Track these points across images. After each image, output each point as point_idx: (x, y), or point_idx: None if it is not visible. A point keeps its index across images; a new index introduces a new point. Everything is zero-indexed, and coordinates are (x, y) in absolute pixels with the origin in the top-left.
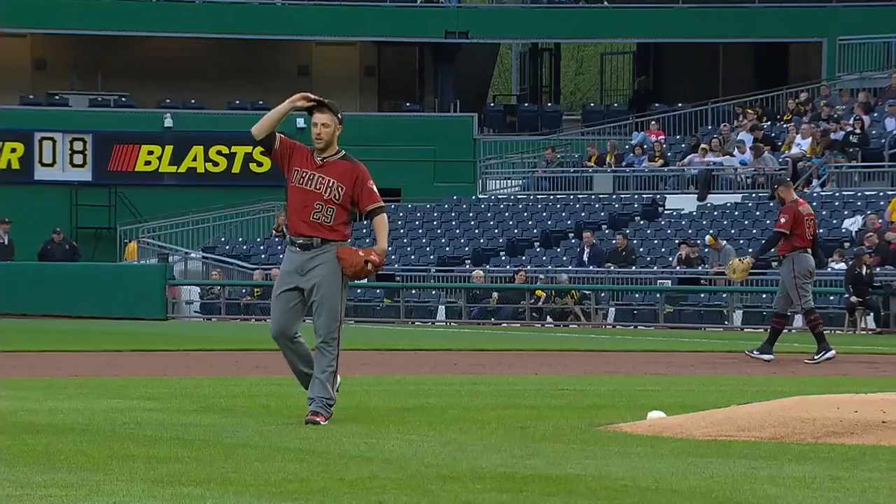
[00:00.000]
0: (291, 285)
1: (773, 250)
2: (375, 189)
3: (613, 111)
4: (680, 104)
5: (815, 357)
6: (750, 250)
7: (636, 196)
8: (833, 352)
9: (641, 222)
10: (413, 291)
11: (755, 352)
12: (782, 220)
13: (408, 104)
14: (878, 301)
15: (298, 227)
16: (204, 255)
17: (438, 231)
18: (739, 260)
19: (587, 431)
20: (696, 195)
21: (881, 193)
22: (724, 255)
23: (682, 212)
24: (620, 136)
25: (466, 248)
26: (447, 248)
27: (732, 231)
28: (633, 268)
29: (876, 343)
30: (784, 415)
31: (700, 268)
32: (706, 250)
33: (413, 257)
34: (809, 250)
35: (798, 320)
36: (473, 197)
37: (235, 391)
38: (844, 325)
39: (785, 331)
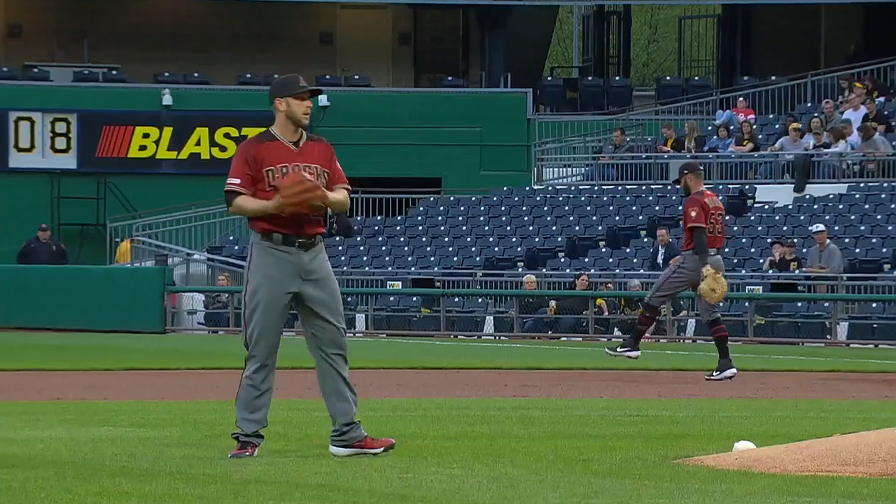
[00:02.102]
0: (292, 291)
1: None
2: None
3: (693, 86)
4: (773, 77)
5: (714, 374)
6: (857, 250)
7: (721, 186)
8: (734, 370)
9: (727, 217)
10: (456, 300)
11: (715, 373)
12: (692, 213)
13: (449, 78)
14: None
15: (297, 225)
16: (209, 256)
17: (486, 228)
18: (713, 277)
19: (661, 465)
20: (793, 185)
21: None
22: (829, 256)
23: (776, 205)
24: (702, 116)
25: (518, 249)
26: (496, 249)
27: (836, 228)
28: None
29: None
30: None
31: (797, 271)
32: (805, 250)
33: (456, 259)
34: (716, 250)
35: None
36: (527, 188)
37: None
38: None
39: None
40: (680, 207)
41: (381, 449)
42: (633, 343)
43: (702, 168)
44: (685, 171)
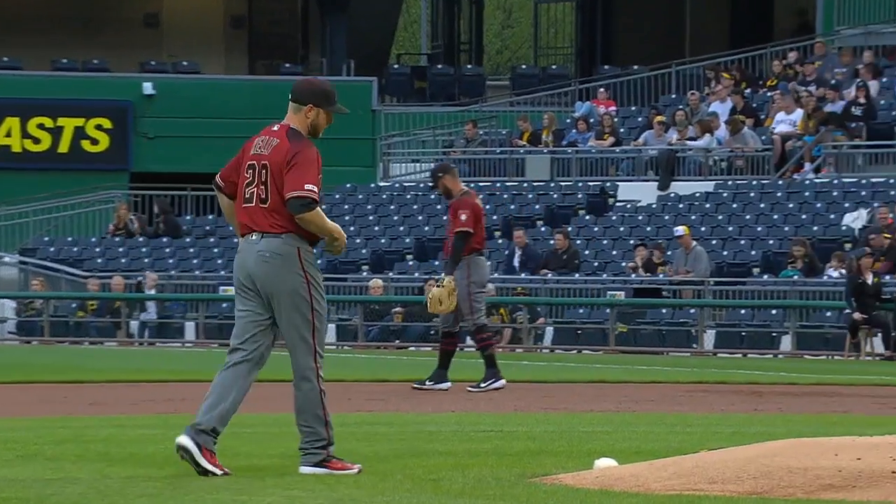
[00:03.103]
0: None
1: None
2: None
3: (551, 75)
4: (636, 67)
5: (482, 385)
6: (725, 253)
7: (580, 184)
8: (503, 381)
9: (587, 217)
10: None
11: (427, 382)
12: (462, 216)
13: (287, 65)
14: (888, 318)
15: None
16: (21, 259)
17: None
18: (438, 285)
19: (517, 484)
20: (657, 183)
21: (891, 181)
22: (695, 260)
23: (639, 204)
24: (560, 108)
25: (363, 251)
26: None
27: (702, 229)
28: (577, 275)
29: (884, 371)
30: (768, 463)
31: (662, 275)
32: (669, 253)
33: None
34: (478, 252)
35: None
36: (372, 185)
37: (64, 435)
38: (845, 349)
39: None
40: (537, 206)
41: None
42: (495, 372)
43: (454, 167)
44: (440, 175)
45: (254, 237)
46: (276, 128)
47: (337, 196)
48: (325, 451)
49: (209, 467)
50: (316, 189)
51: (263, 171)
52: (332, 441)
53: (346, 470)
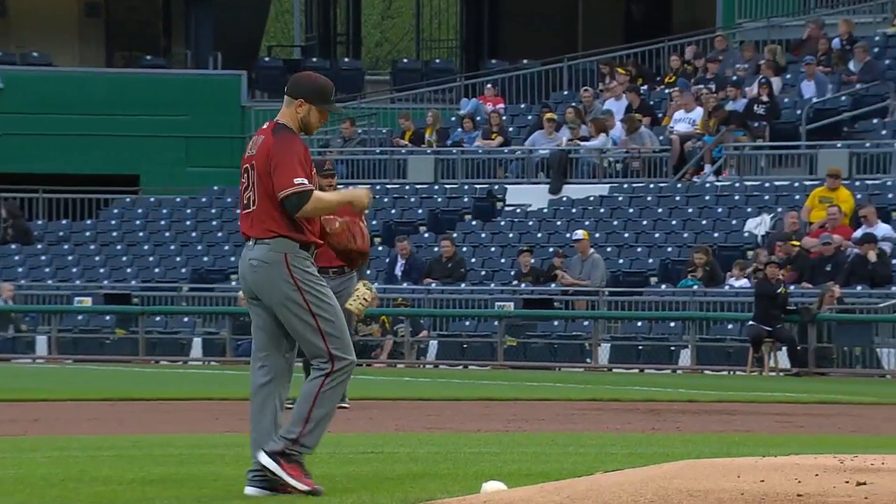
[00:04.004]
0: None
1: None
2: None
3: (434, 70)
4: (525, 61)
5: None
6: (620, 260)
7: (466, 187)
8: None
9: (474, 223)
10: (157, 319)
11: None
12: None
13: (148, 57)
14: (794, 331)
15: (317, 234)
16: None
17: (193, 235)
18: (367, 288)
19: None
20: (548, 185)
21: (796, 184)
22: (591, 267)
23: (529, 208)
24: (444, 105)
25: (232, 259)
26: (205, 259)
27: (597, 235)
28: (463, 285)
29: (789, 388)
30: (666, 486)
31: (554, 285)
32: (570, 258)
33: (157, 271)
34: None
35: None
36: None
37: None
38: (748, 364)
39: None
40: (420, 211)
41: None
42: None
43: (333, 168)
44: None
45: (249, 243)
46: (265, 125)
47: (203, 199)
48: (283, 446)
49: (300, 486)
50: (306, 181)
51: (253, 172)
52: (304, 444)
53: (297, 481)
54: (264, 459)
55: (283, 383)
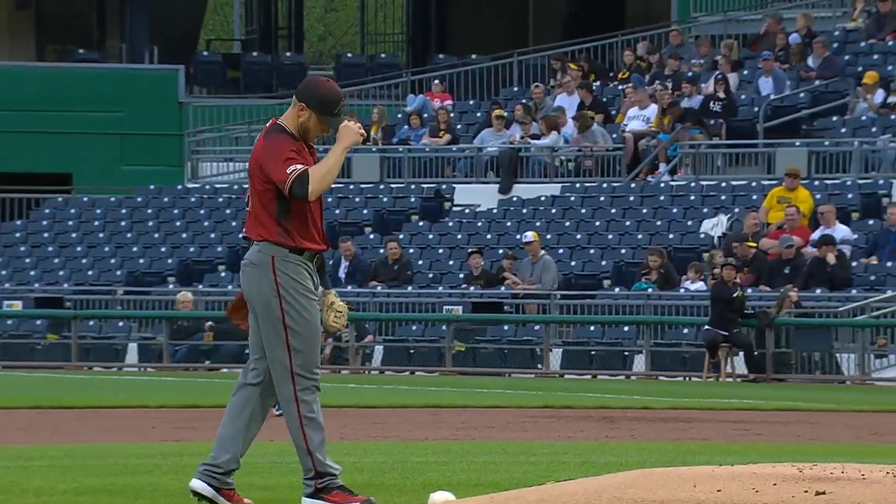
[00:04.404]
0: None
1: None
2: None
3: (380, 65)
4: (474, 56)
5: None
6: (572, 263)
7: (413, 186)
8: None
9: (421, 224)
10: (91, 323)
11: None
12: None
13: (81, 51)
14: (751, 336)
15: (317, 240)
16: None
17: (128, 236)
18: (335, 297)
19: None
20: (498, 185)
21: (753, 184)
22: (543, 270)
23: (478, 209)
24: (390, 101)
25: (169, 261)
26: (141, 261)
27: (548, 236)
28: (410, 288)
29: (747, 394)
30: (620, 496)
31: (504, 288)
32: (520, 261)
33: (91, 273)
34: None
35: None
36: (179, 186)
37: None
38: (704, 370)
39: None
40: (365, 211)
41: None
42: None
43: None
44: None
45: (250, 245)
46: (268, 123)
47: (139, 199)
48: (313, 483)
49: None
50: (298, 165)
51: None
52: (326, 471)
53: (347, 502)
54: (306, 502)
55: (271, 391)
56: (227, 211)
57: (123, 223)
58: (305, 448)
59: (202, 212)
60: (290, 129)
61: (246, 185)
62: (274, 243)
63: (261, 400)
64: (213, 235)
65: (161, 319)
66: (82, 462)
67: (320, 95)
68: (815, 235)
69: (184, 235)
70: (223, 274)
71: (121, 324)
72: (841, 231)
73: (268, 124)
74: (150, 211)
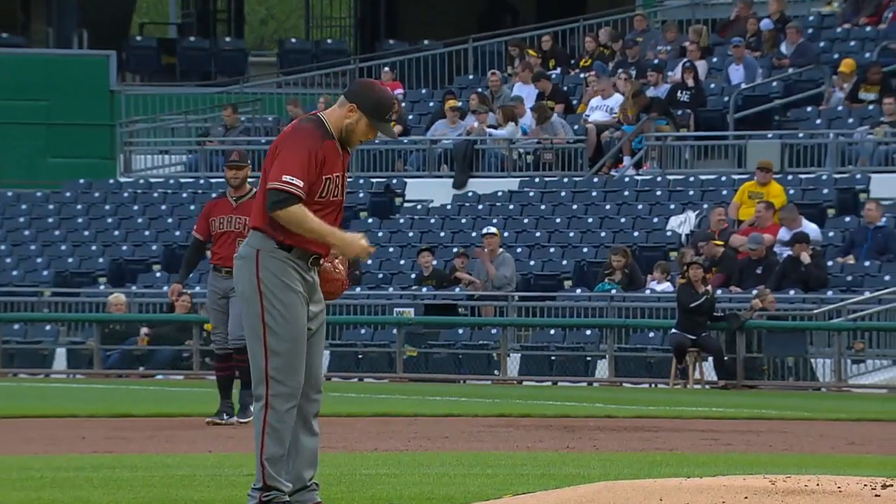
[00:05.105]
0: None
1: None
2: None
3: (326, 51)
4: (426, 42)
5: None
6: (531, 262)
7: (361, 181)
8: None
9: (370, 220)
10: (16, 327)
11: (225, 417)
12: None
13: (5, 35)
14: (720, 340)
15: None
16: None
17: (56, 234)
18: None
19: None
20: (452, 179)
21: (723, 178)
22: (502, 266)
23: (431, 204)
24: (337, 90)
25: (100, 260)
26: (70, 261)
27: (506, 234)
28: (358, 289)
29: (716, 402)
30: None
31: (459, 289)
32: (475, 260)
33: (15, 274)
34: None
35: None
36: (111, 180)
37: None
38: (671, 376)
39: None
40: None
41: None
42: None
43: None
44: (248, 162)
45: None
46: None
47: (67, 194)
48: (258, 495)
49: None
50: (298, 182)
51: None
52: (274, 486)
53: None
54: None
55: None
56: (163, 207)
57: (51, 219)
58: (259, 457)
59: (136, 208)
60: (329, 126)
61: (183, 180)
62: (263, 234)
63: (300, 409)
64: (147, 233)
65: (91, 323)
66: (6, 475)
67: (374, 98)
68: (784, 235)
69: (116, 233)
70: (158, 274)
71: (48, 327)
72: (810, 230)
73: (306, 114)
74: (79, 206)
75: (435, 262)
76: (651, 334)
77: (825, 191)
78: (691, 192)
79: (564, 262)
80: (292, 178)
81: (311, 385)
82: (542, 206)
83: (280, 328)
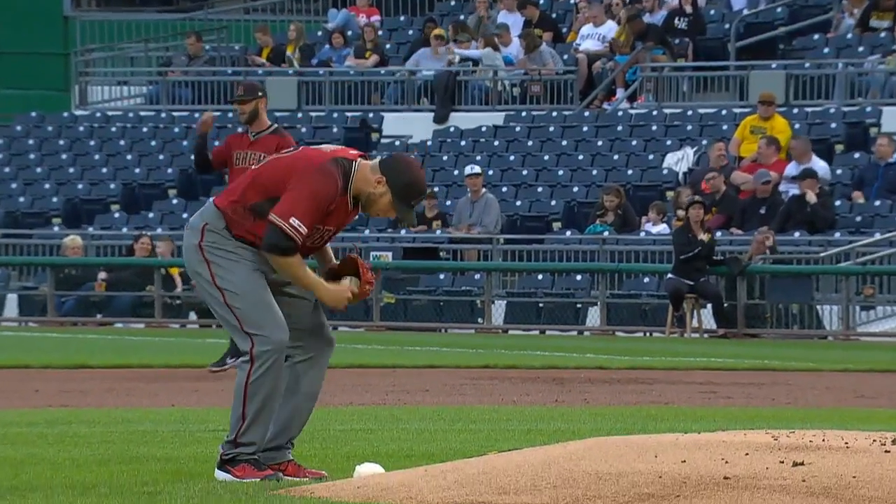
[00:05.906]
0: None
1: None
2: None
3: None
4: None
5: (229, 361)
6: (518, 202)
7: (335, 115)
8: None
9: None
10: None
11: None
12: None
13: None
14: (720, 285)
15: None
16: None
17: (6, 171)
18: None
19: (257, 497)
20: (433, 114)
21: (723, 112)
22: (484, 210)
23: (410, 140)
24: (309, 17)
25: (54, 200)
26: (21, 200)
27: (490, 172)
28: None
29: (715, 352)
30: (572, 468)
31: (440, 231)
32: (449, 202)
33: None
34: None
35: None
36: (66, 114)
37: None
38: (667, 325)
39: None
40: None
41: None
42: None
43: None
44: (261, 94)
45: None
46: (339, 149)
47: (18, 128)
48: (232, 451)
49: (254, 479)
50: (303, 230)
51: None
52: (244, 441)
53: (250, 477)
54: (219, 476)
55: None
56: (122, 142)
57: (0, 156)
58: (240, 412)
59: (92, 143)
60: (353, 182)
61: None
62: (219, 212)
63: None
64: (104, 170)
65: (45, 267)
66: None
67: (406, 181)
68: (792, 171)
69: (71, 170)
70: (117, 215)
71: None
72: (818, 167)
73: (338, 149)
74: (31, 142)
75: None
76: (646, 279)
77: (833, 125)
78: (689, 127)
79: (553, 203)
80: (300, 225)
81: (318, 337)
82: (530, 143)
83: (233, 286)
